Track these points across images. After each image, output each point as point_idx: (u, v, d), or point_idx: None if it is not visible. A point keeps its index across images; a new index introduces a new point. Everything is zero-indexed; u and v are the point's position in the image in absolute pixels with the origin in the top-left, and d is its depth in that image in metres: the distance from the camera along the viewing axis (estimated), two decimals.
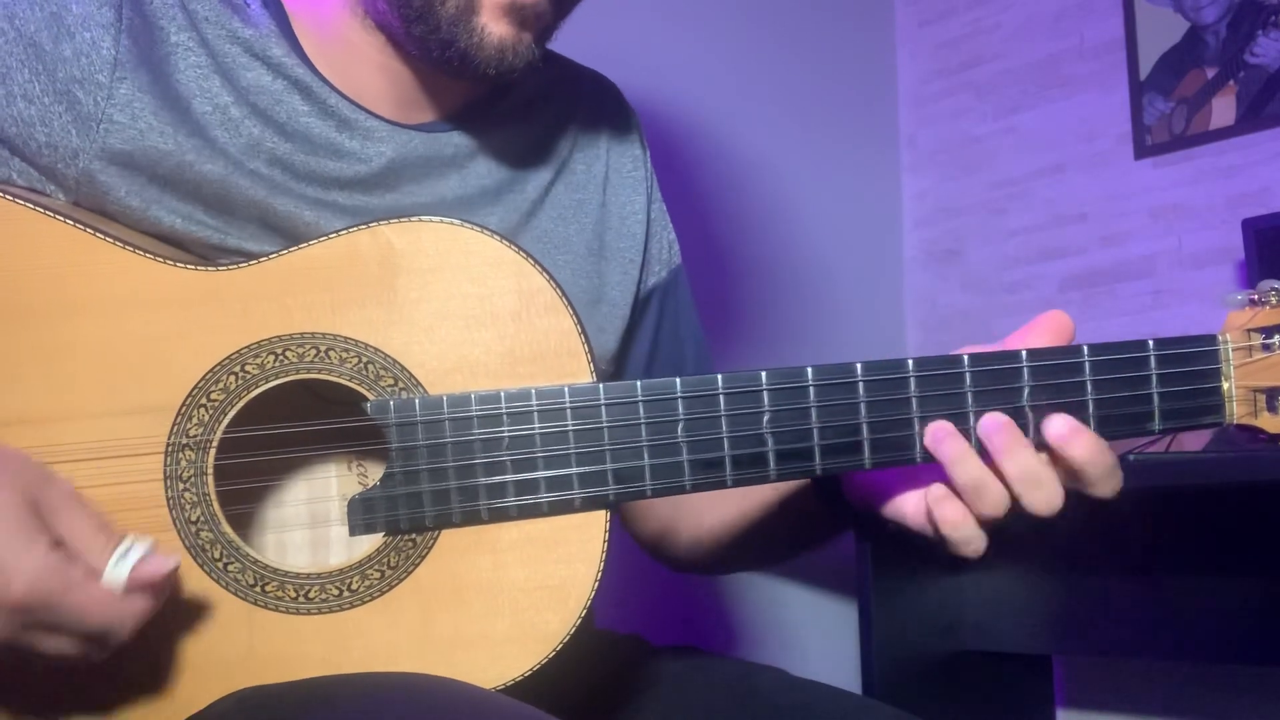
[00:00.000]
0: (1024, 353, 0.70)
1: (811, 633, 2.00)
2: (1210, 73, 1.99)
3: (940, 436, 0.69)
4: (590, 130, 0.94)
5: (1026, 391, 0.70)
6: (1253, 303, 0.71)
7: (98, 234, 0.70)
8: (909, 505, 0.73)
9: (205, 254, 0.76)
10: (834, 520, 0.81)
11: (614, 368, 0.94)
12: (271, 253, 0.71)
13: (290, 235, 0.77)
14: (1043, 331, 0.72)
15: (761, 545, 0.92)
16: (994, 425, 0.68)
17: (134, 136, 0.73)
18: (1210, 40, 2.00)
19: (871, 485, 0.75)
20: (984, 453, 0.69)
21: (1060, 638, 1.87)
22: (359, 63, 0.80)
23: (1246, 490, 1.60)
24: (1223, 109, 1.97)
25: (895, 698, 1.76)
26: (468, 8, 0.74)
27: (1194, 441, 1.41)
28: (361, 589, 0.69)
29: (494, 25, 0.75)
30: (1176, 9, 2.03)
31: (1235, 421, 0.72)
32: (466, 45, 0.75)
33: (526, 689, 0.69)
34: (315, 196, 0.78)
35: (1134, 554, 1.76)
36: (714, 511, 0.92)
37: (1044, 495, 0.68)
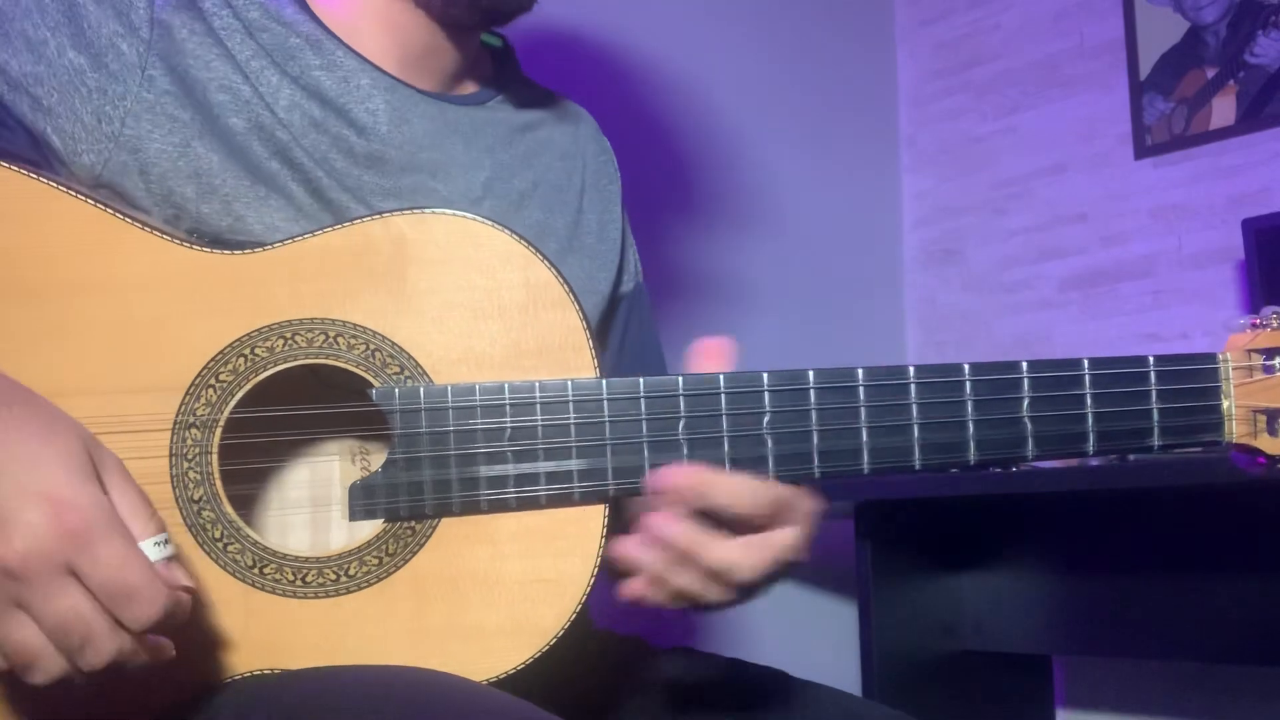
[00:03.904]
0: (1024, 364, 0.71)
1: (811, 633, 2.00)
2: (1210, 73, 1.99)
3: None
4: (570, 144, 0.98)
5: (1026, 403, 0.71)
6: (1254, 325, 0.72)
7: (116, 214, 0.71)
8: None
9: (225, 197, 0.78)
10: None
11: None
12: (285, 239, 0.72)
13: (305, 195, 0.80)
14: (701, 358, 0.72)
15: None
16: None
17: (175, 81, 0.78)
18: (1210, 40, 2.00)
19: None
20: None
21: (1060, 638, 1.87)
22: (367, 22, 0.86)
23: (1246, 490, 1.60)
24: (1223, 109, 1.98)
25: (895, 698, 1.76)
26: None
27: None
28: (359, 574, 0.69)
29: None
30: (1176, 9, 2.03)
31: (1235, 440, 0.72)
32: None
33: (525, 687, 0.69)
34: (327, 148, 0.82)
35: (1134, 554, 1.76)
36: None
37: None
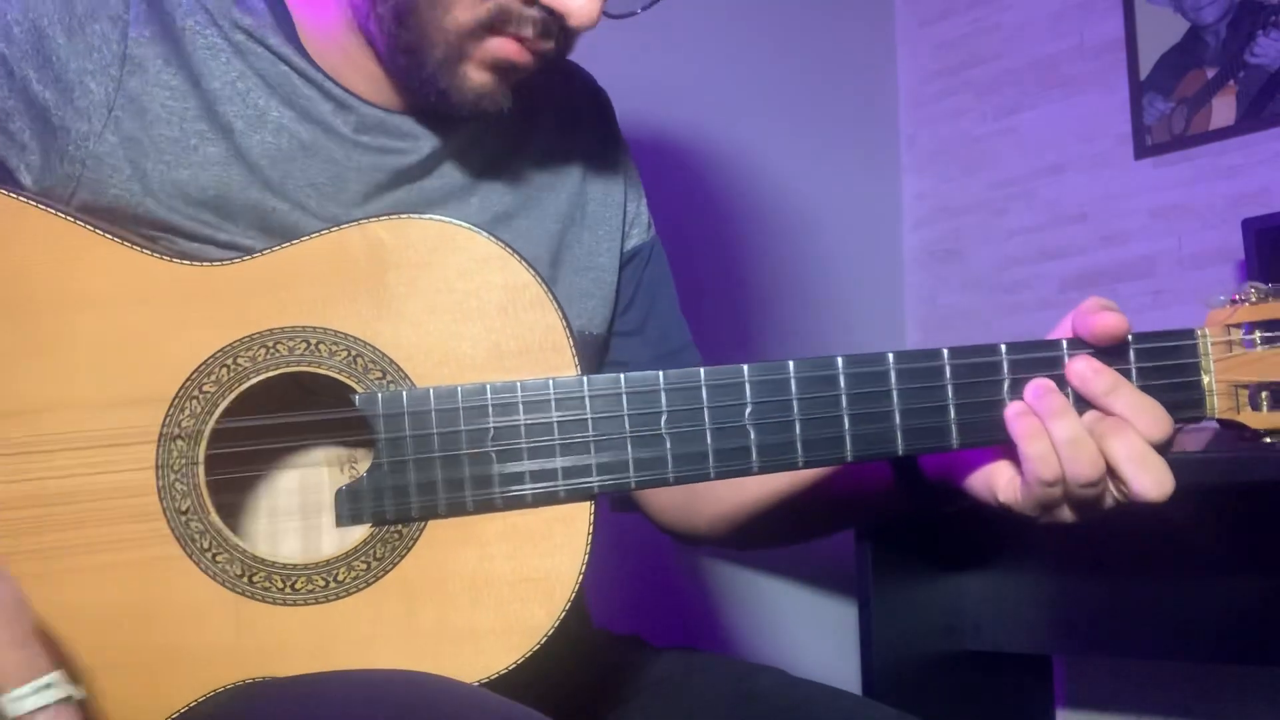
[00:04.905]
0: (1003, 346, 0.71)
1: (811, 633, 2.00)
2: (1210, 73, 1.99)
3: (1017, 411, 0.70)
4: (565, 106, 0.97)
5: (1006, 385, 0.71)
6: (1233, 301, 0.72)
7: (97, 230, 0.71)
8: (1003, 476, 0.73)
9: (199, 235, 0.77)
10: (907, 496, 0.82)
11: (606, 331, 0.96)
12: (265, 249, 0.73)
13: (282, 228, 0.79)
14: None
15: (805, 520, 0.92)
16: (1039, 389, 0.70)
17: (142, 125, 0.76)
18: (1210, 40, 2.00)
19: (953, 460, 0.76)
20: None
21: (1060, 638, 1.86)
22: (351, 64, 0.83)
23: (1246, 490, 1.59)
24: (1223, 109, 1.97)
25: (895, 698, 1.75)
26: (456, 57, 0.77)
27: (1193, 442, 1.40)
28: (348, 580, 0.70)
29: (476, 74, 0.78)
30: (1176, 9, 2.03)
31: (1217, 415, 0.72)
32: (447, 87, 0.78)
33: (523, 686, 0.69)
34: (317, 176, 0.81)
35: (1134, 554, 1.76)
36: (749, 486, 0.92)
37: (1089, 458, 0.69)
